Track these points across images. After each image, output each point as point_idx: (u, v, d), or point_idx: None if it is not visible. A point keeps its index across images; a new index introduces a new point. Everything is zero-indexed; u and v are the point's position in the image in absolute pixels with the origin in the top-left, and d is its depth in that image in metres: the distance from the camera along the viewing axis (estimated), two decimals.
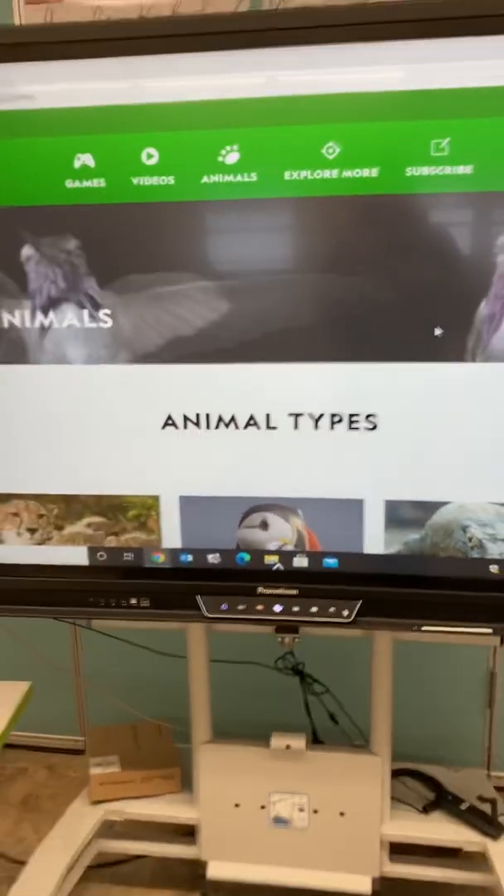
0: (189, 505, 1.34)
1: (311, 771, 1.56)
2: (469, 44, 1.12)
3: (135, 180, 1.20)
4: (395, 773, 1.64)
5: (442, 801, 1.62)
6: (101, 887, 1.72)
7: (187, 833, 1.66)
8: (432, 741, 1.87)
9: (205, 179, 1.20)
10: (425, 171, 1.16)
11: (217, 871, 1.60)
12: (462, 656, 1.92)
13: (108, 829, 1.69)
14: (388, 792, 1.57)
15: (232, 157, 1.19)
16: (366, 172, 1.17)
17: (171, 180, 1.20)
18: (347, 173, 1.17)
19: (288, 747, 1.54)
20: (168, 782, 1.66)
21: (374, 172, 1.17)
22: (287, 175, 1.18)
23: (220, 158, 1.19)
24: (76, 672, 2.07)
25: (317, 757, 1.56)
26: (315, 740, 1.72)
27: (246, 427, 1.29)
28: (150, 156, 1.20)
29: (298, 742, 1.54)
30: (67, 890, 1.59)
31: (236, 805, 1.58)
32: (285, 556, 1.34)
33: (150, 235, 1.23)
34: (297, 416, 1.28)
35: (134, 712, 1.81)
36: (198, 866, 1.64)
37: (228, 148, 1.18)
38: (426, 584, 1.31)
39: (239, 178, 1.19)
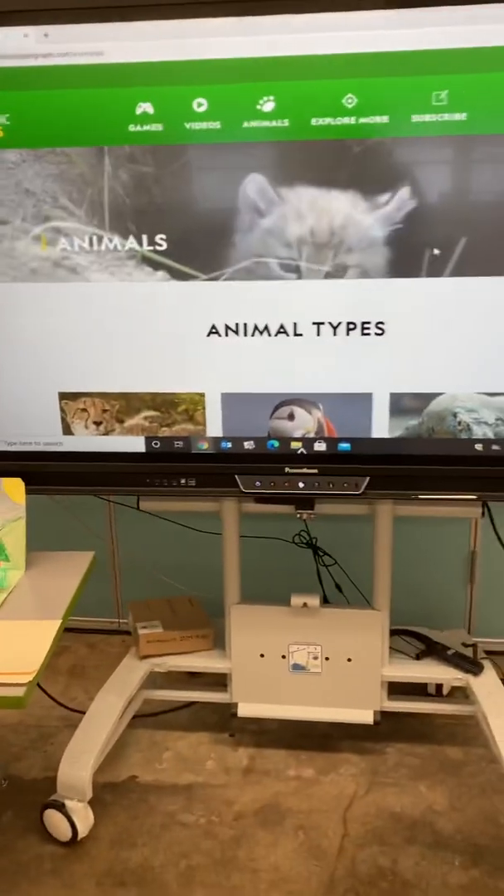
0: (229, 400, 1.61)
1: (324, 625, 1.87)
2: (462, 12, 1.36)
3: (187, 125, 1.45)
4: (392, 633, 1.96)
5: (431, 650, 1.95)
6: (145, 731, 2.05)
7: (218, 684, 1.99)
8: (422, 612, 2.19)
9: (245, 124, 1.44)
10: (427, 118, 1.41)
11: (246, 710, 1.94)
12: (448, 539, 2.24)
13: (152, 682, 2.01)
14: (388, 641, 1.90)
15: (268, 106, 1.43)
16: (378, 119, 1.42)
17: (217, 125, 1.44)
18: (363, 120, 1.42)
19: (305, 605, 1.85)
20: (203, 640, 1.97)
21: (386, 119, 1.42)
22: (314, 121, 1.43)
23: (259, 107, 1.43)
24: (113, 557, 2.36)
25: (328, 613, 1.88)
26: None
27: (277, 334, 1.56)
28: (200, 104, 1.44)
29: (313, 600, 1.85)
30: (120, 731, 1.91)
31: (261, 655, 1.90)
32: (308, 442, 1.63)
33: (201, 171, 1.47)
34: (319, 324, 1.55)
35: (172, 583, 2.12)
36: (226, 714, 1.97)
37: (265, 98, 1.43)
38: (423, 461, 1.60)
39: (274, 123, 1.44)
